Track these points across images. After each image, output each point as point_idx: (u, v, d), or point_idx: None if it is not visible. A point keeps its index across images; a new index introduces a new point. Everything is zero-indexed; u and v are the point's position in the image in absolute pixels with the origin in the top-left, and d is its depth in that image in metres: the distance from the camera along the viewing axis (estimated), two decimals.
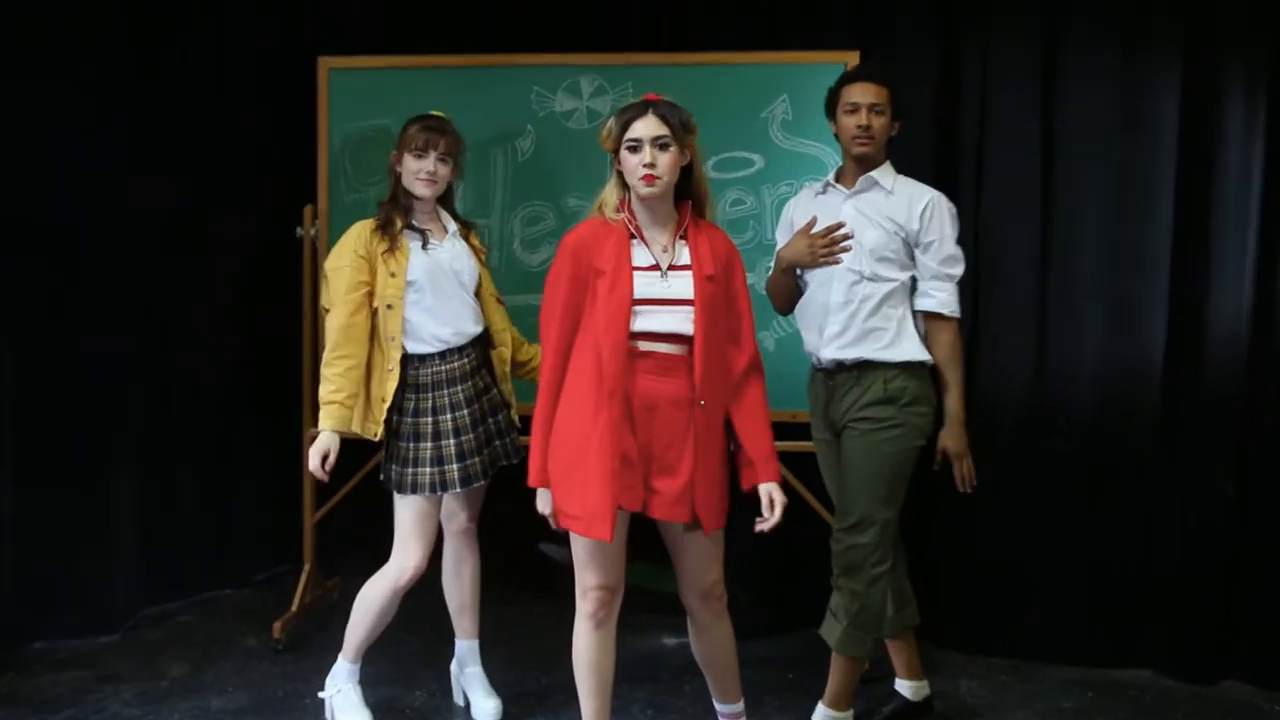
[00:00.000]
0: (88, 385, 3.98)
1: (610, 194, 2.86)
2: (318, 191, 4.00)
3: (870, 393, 3.18)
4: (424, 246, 3.27)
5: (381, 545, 3.30)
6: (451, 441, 3.26)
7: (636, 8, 4.25)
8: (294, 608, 4.08)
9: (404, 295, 3.22)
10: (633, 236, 2.82)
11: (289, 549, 4.40)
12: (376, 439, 3.28)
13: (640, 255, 2.81)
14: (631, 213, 2.83)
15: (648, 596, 3.76)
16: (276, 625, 3.97)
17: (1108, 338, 3.81)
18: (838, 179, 3.33)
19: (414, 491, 3.24)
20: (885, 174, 3.25)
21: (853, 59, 3.75)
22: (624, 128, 2.77)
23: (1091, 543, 3.86)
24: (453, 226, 3.38)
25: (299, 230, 4.03)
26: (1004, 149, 3.87)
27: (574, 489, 2.77)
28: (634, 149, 2.75)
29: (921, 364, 3.21)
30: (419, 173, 3.26)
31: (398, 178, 3.32)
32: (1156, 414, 3.77)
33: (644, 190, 2.75)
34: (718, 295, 2.81)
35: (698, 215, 2.89)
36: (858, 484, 3.18)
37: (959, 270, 3.24)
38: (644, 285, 2.78)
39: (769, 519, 2.83)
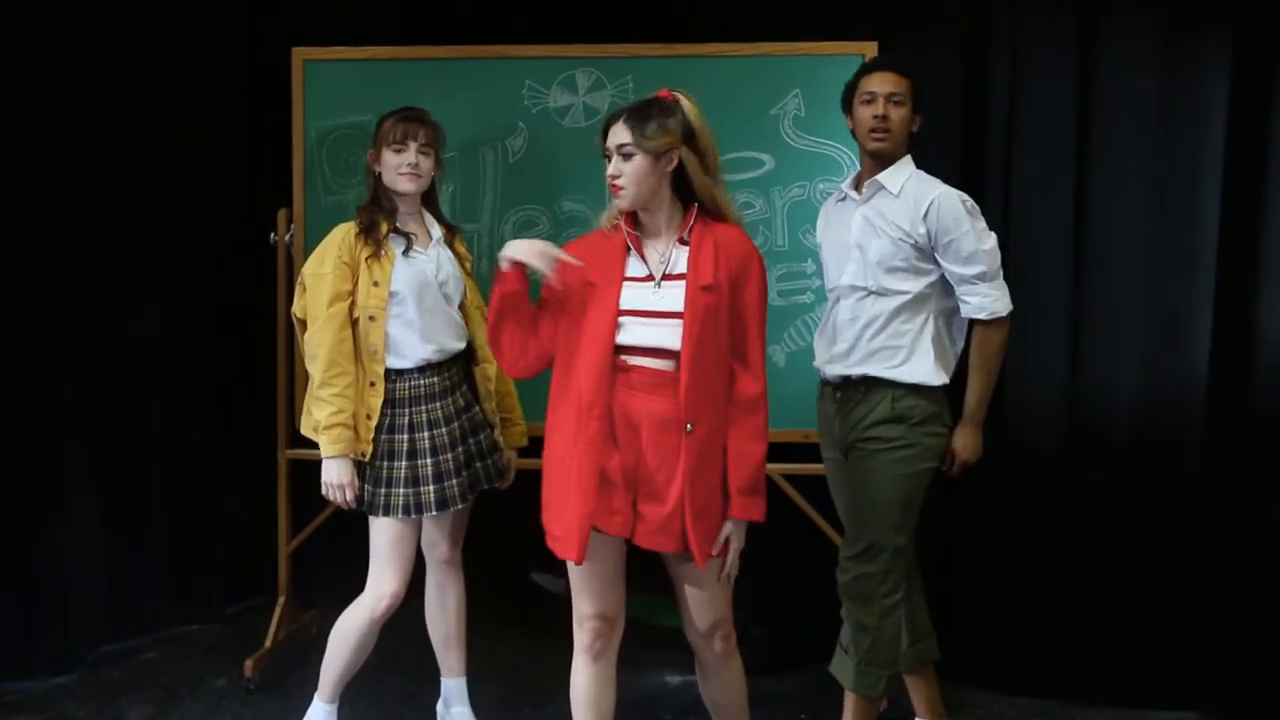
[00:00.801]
0: (41, 403, 3.83)
1: (610, 205, 2.82)
2: (293, 193, 3.84)
3: (878, 410, 3.08)
4: (406, 253, 3.16)
5: (363, 574, 3.25)
6: (428, 461, 3.14)
7: None
8: (267, 644, 3.92)
9: (387, 306, 3.09)
10: (629, 248, 2.75)
11: (262, 580, 4.26)
12: (365, 459, 3.15)
13: (635, 265, 2.74)
14: (630, 222, 2.77)
15: (650, 631, 3.70)
16: (248, 663, 3.81)
17: (1147, 349, 3.65)
18: (856, 184, 3.19)
19: (387, 513, 3.14)
20: (894, 175, 3.09)
21: (871, 50, 3.63)
22: (602, 136, 2.74)
23: (1131, 573, 3.71)
24: (437, 232, 3.27)
25: (273, 236, 3.88)
26: (1035, 145, 3.70)
27: (555, 508, 2.74)
28: (607, 158, 2.72)
29: (934, 387, 3.07)
30: (400, 167, 3.16)
31: (377, 178, 3.23)
32: (1201, 432, 3.63)
33: (615, 202, 2.72)
34: (717, 307, 2.68)
35: (712, 217, 2.75)
36: (866, 508, 3.08)
37: (983, 268, 3.02)
38: (633, 296, 2.70)
39: (727, 565, 2.78)
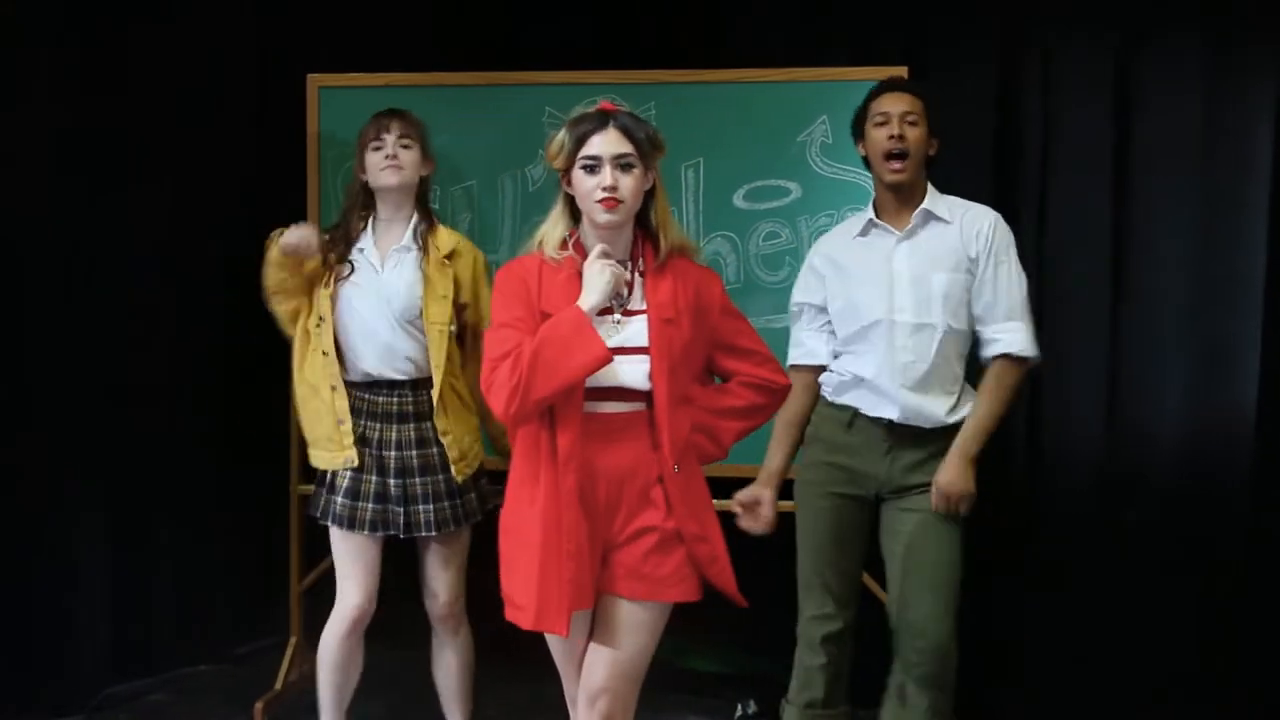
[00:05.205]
0: (45, 434, 3.78)
1: (553, 229, 2.52)
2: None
3: (934, 451, 2.89)
4: (349, 275, 3.16)
5: (378, 614, 3.22)
6: (371, 478, 3.14)
7: (659, 20, 4.07)
8: (278, 685, 3.86)
9: (332, 312, 3.13)
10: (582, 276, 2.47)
11: (273, 619, 4.17)
12: (355, 465, 3.16)
13: None
14: (580, 249, 2.49)
15: (674, 675, 3.68)
16: (259, 705, 3.75)
17: (1192, 387, 3.63)
18: (880, 214, 2.99)
19: (327, 520, 3.16)
20: (938, 201, 2.95)
21: (901, 75, 3.48)
22: (579, 143, 2.44)
23: (1175, 619, 3.64)
24: (407, 238, 3.17)
25: None
26: (1071, 172, 3.69)
27: (521, 575, 2.45)
28: (591, 169, 2.42)
29: None
30: (380, 163, 3.12)
31: (363, 187, 3.20)
32: (1249, 477, 3.57)
33: (602, 217, 2.41)
34: (679, 339, 2.46)
35: (662, 246, 2.51)
36: (934, 586, 2.85)
37: (1020, 300, 2.90)
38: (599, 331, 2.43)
39: None
